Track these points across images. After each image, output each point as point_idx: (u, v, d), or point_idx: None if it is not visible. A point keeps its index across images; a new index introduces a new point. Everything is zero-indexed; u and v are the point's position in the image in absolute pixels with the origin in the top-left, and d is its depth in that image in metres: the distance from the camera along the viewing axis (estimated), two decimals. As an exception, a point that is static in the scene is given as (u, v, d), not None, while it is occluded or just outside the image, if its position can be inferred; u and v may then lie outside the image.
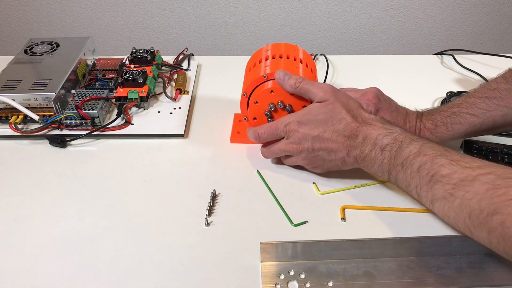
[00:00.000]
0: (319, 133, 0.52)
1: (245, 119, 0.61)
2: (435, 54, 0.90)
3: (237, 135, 0.65)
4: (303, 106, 0.57)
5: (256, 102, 0.58)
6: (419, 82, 0.80)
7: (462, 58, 0.87)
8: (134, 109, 0.70)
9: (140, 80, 0.70)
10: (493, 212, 0.38)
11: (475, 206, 0.39)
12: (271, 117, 0.59)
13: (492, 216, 0.38)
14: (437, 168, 0.43)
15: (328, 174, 0.57)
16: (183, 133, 0.66)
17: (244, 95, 0.59)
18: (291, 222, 0.52)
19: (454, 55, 0.87)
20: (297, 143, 0.54)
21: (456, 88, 0.76)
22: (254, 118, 0.60)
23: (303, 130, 0.53)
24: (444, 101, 0.73)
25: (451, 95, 0.74)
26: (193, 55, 0.87)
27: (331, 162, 0.54)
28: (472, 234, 0.41)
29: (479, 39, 1.54)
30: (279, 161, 0.60)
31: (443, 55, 0.89)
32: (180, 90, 0.74)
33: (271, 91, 0.57)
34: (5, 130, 0.65)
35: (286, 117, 0.55)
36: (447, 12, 1.47)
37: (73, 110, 0.66)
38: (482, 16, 1.49)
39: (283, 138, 0.56)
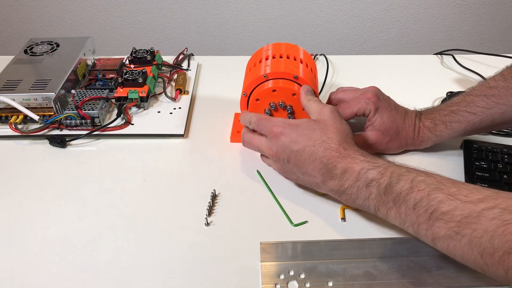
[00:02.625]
0: (298, 149, 0.50)
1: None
2: (435, 54, 0.90)
3: (237, 135, 0.65)
4: (303, 109, 0.57)
5: (258, 99, 0.59)
6: (419, 82, 0.80)
7: (462, 58, 0.87)
8: (134, 109, 0.70)
9: (140, 80, 0.70)
10: (509, 250, 0.35)
11: (487, 244, 0.37)
12: (271, 115, 0.59)
13: (510, 254, 0.35)
14: (436, 205, 0.41)
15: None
16: (183, 133, 0.66)
17: (244, 94, 0.59)
18: (291, 222, 0.52)
19: (454, 55, 0.87)
20: (275, 150, 0.52)
21: (456, 88, 0.76)
22: None
23: (284, 139, 0.51)
24: (444, 101, 0.73)
25: (451, 95, 0.74)
26: (193, 55, 0.87)
27: (304, 181, 0.52)
28: (485, 271, 0.38)
29: (479, 39, 1.54)
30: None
31: (443, 55, 0.89)
32: (180, 90, 0.74)
33: (274, 90, 0.57)
34: (5, 130, 0.65)
35: (278, 119, 0.53)
36: (447, 12, 1.47)
37: (73, 110, 0.66)
38: (482, 16, 1.49)
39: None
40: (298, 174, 0.52)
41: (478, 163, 0.58)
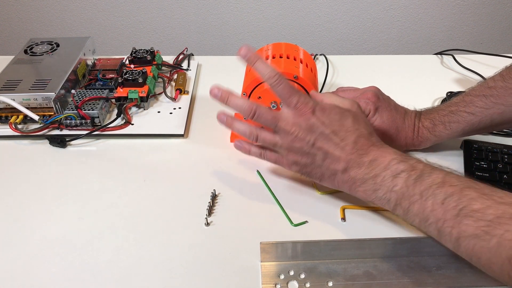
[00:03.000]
0: (329, 132, 0.47)
1: (245, 118, 0.61)
2: (435, 54, 0.90)
3: (237, 135, 0.65)
4: None
5: (259, 97, 0.59)
6: (419, 82, 0.80)
7: (462, 58, 0.87)
8: (134, 109, 0.70)
9: (140, 80, 0.70)
10: None
11: None
12: None
13: None
14: (467, 202, 0.38)
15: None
16: (183, 133, 0.66)
17: (244, 94, 0.59)
18: (291, 222, 0.52)
19: (454, 55, 0.87)
20: (303, 128, 0.48)
21: (456, 88, 0.76)
22: None
23: (315, 119, 0.47)
24: (444, 101, 0.73)
25: (451, 95, 0.74)
26: (193, 55, 0.87)
27: (316, 169, 0.49)
28: (511, 280, 0.36)
29: (479, 39, 1.54)
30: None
31: (443, 55, 0.89)
32: (180, 90, 0.74)
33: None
34: (5, 130, 0.65)
35: (307, 97, 0.49)
36: (447, 12, 1.47)
37: (73, 110, 0.66)
38: (482, 16, 1.49)
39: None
40: (317, 159, 0.48)
41: (478, 163, 0.58)
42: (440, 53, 0.90)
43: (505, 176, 0.56)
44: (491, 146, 0.60)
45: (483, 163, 0.58)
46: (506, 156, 0.59)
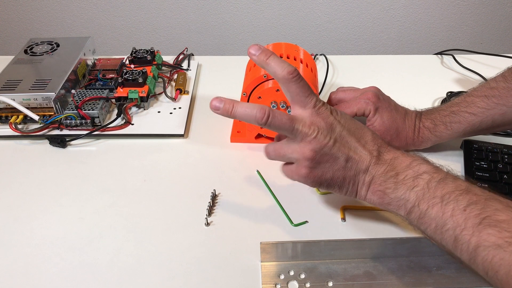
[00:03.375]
0: (348, 132, 0.45)
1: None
2: (435, 54, 0.90)
3: (237, 135, 0.65)
4: None
5: (260, 97, 0.59)
6: (419, 82, 0.80)
7: (462, 58, 0.87)
8: (134, 109, 0.70)
9: (140, 80, 0.70)
10: None
11: None
12: None
13: None
14: (492, 212, 0.37)
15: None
16: (183, 133, 0.66)
17: (244, 94, 0.59)
18: (291, 222, 0.52)
19: (454, 55, 0.87)
20: (322, 128, 0.44)
21: (456, 88, 0.76)
22: None
23: (333, 118, 0.45)
24: (444, 101, 0.73)
25: (451, 95, 0.74)
26: (193, 55, 0.87)
27: (340, 171, 0.45)
28: None
29: (479, 39, 1.54)
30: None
31: (443, 55, 0.89)
32: (180, 90, 0.74)
33: (278, 89, 0.57)
34: (5, 130, 0.65)
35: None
36: (447, 12, 1.47)
37: (73, 110, 0.66)
38: (482, 16, 1.49)
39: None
40: (340, 160, 0.44)
41: (478, 163, 0.58)
42: (440, 53, 0.90)
43: (505, 176, 0.56)
44: (491, 146, 0.60)
45: (483, 163, 0.58)
46: (506, 156, 0.59)
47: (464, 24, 1.50)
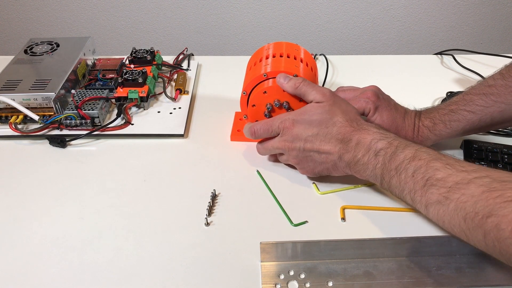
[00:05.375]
0: (312, 134, 0.52)
1: (245, 117, 0.61)
2: (435, 54, 0.90)
3: (238, 134, 0.65)
4: (300, 101, 0.57)
5: (254, 105, 0.59)
6: (419, 82, 0.80)
7: (462, 58, 0.87)
8: (134, 109, 0.70)
9: (140, 80, 0.70)
10: (488, 214, 0.37)
11: (470, 209, 0.39)
12: (270, 117, 0.59)
13: (487, 218, 0.37)
14: (432, 172, 0.43)
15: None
16: (183, 133, 0.66)
17: (244, 93, 0.59)
18: (291, 222, 0.52)
19: (454, 55, 0.87)
20: (290, 141, 0.54)
21: (456, 88, 0.76)
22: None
23: (297, 129, 0.53)
24: (444, 101, 0.73)
25: (451, 95, 0.74)
26: (193, 55, 0.87)
27: (322, 165, 0.53)
28: (468, 238, 0.40)
29: (479, 39, 1.54)
30: (278, 160, 0.60)
31: (443, 55, 0.89)
32: (180, 90, 0.74)
33: (265, 91, 0.57)
34: (5, 130, 0.65)
35: (283, 115, 0.55)
36: (447, 12, 1.47)
37: (73, 110, 0.66)
38: (482, 16, 1.49)
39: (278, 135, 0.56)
40: (315, 158, 0.53)
41: (478, 163, 0.58)
42: (440, 53, 0.90)
43: (505, 176, 0.56)
44: (491, 146, 0.60)
45: (483, 163, 0.58)
46: (506, 156, 0.59)
47: (464, 24, 1.50)
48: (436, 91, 0.76)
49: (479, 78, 0.80)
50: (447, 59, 0.88)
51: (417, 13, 1.47)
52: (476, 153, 0.59)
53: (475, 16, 1.49)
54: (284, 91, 0.57)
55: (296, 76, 0.57)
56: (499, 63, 0.75)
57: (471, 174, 0.40)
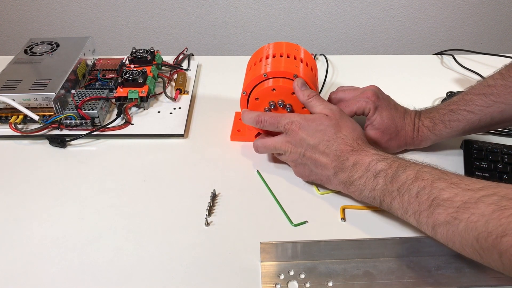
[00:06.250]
0: (314, 143, 0.52)
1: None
2: (435, 54, 0.90)
3: (238, 133, 0.65)
4: (303, 108, 0.58)
5: (257, 98, 0.59)
6: (419, 82, 0.80)
7: (462, 58, 0.87)
8: (134, 109, 0.70)
9: (140, 80, 0.70)
10: (502, 233, 0.36)
11: (482, 228, 0.38)
12: None
13: (502, 238, 0.36)
14: (437, 193, 0.42)
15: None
16: (183, 133, 0.66)
17: (244, 93, 0.60)
18: (291, 222, 0.52)
19: (454, 55, 0.87)
20: (293, 144, 0.54)
21: (456, 88, 0.76)
22: None
23: (302, 134, 0.53)
24: (444, 101, 0.73)
25: (451, 95, 0.74)
26: (193, 55, 0.87)
27: (316, 175, 0.54)
28: (482, 258, 0.39)
29: (479, 39, 1.54)
30: (278, 160, 0.60)
31: (443, 55, 0.89)
32: (180, 90, 0.74)
33: (273, 89, 0.57)
34: (5, 130, 0.65)
35: (291, 115, 0.55)
36: (447, 12, 1.47)
37: (73, 110, 0.66)
38: (482, 16, 1.49)
39: (280, 133, 0.56)
40: (311, 167, 0.53)
41: (478, 163, 0.58)
42: (440, 53, 0.90)
43: (505, 176, 0.56)
44: (491, 146, 0.60)
45: (483, 163, 0.58)
46: (506, 156, 0.59)
47: (464, 24, 1.50)
48: (436, 91, 0.76)
49: (479, 78, 0.80)
50: (447, 59, 0.88)
51: (417, 13, 1.47)
52: (476, 153, 0.59)
53: (475, 16, 1.49)
54: (291, 94, 0.57)
55: (297, 76, 0.57)
56: (499, 63, 0.75)
57: (478, 192, 0.40)
